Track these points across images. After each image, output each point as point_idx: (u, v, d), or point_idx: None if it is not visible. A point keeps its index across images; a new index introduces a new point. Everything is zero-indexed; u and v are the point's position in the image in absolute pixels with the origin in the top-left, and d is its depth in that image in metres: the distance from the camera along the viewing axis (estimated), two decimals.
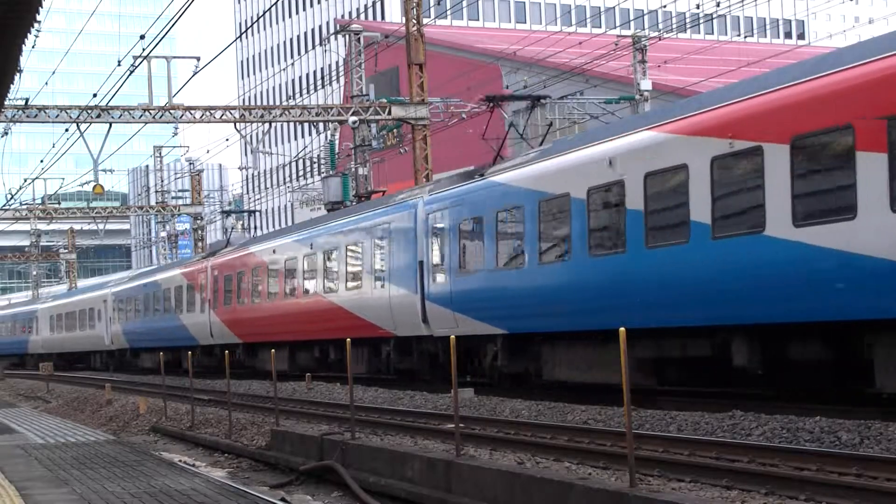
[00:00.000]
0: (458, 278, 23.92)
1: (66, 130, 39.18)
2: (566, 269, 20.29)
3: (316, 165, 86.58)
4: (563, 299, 20.32)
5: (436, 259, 25.05)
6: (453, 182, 25.79)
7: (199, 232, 69.39)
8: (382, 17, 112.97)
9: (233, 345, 37.92)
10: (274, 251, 34.99)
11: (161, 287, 47.10)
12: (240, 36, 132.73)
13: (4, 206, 71.16)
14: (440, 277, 24.81)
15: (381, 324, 27.53)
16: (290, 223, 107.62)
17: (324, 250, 30.99)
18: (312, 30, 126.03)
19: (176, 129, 45.27)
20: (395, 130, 50.77)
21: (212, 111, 40.41)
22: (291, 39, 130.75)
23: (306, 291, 32.22)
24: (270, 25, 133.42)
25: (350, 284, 29.32)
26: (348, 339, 18.02)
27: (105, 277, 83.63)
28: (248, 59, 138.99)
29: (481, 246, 23.02)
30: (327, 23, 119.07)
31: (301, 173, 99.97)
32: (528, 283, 21.42)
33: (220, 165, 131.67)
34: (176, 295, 44.78)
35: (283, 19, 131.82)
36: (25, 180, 60.91)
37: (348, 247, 29.55)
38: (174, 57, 42.23)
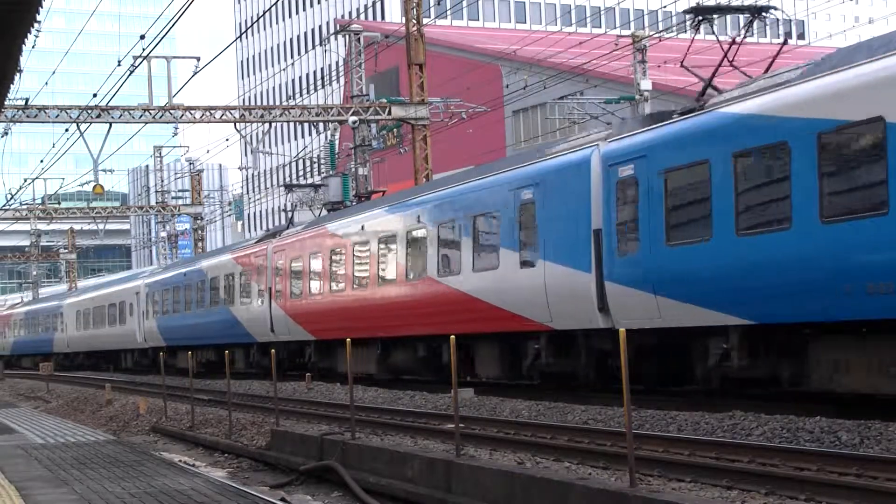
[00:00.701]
0: (666, 249, 17.92)
1: (66, 130, 39.18)
2: (877, 228, 14.24)
3: (316, 165, 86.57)
4: (867, 272, 14.42)
5: (624, 226, 19.00)
6: (637, 126, 19.84)
7: (199, 232, 69.36)
8: (382, 17, 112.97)
9: (299, 342, 33.73)
10: (363, 227, 29.28)
11: (206, 275, 41.32)
12: (240, 36, 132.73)
13: (4, 206, 71.16)
14: (632, 250, 18.74)
15: (530, 314, 21.64)
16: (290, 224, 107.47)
17: (438, 222, 25.14)
18: (312, 30, 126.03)
19: (176, 129, 45.28)
20: (395, 130, 50.75)
21: (212, 111, 40.41)
22: (291, 39, 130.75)
23: (412, 275, 26.31)
24: (270, 25, 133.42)
25: (480, 264, 23.37)
26: (348, 340, 17.97)
27: (136, 271, 79.92)
28: (248, 59, 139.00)
29: (707, 205, 17.06)
30: (327, 23, 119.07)
31: (301, 173, 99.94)
32: (799, 250, 15.36)
33: (220, 165, 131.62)
34: (226, 284, 39.16)
35: (283, 19, 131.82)
36: (25, 180, 60.92)
37: (477, 216, 23.54)
38: (174, 57, 42.23)
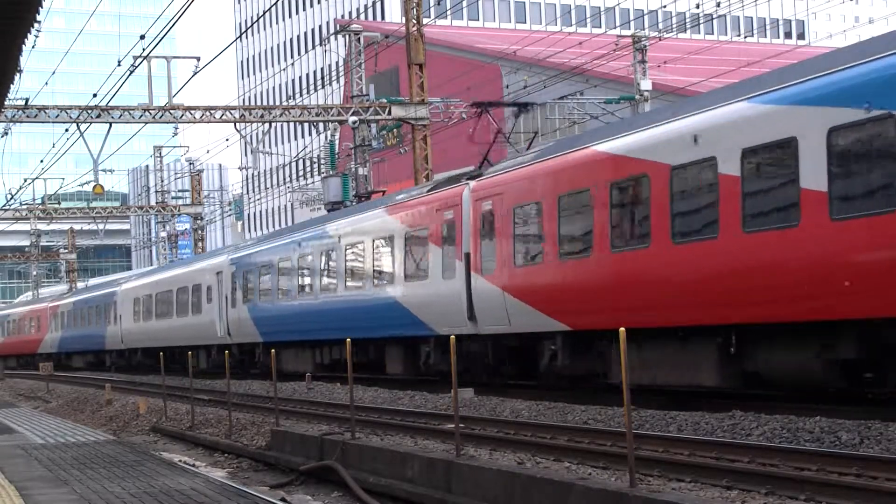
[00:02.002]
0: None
1: (66, 130, 39.19)
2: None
3: (316, 165, 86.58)
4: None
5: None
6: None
7: (199, 232, 69.37)
8: (382, 17, 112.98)
9: (529, 335, 22.00)
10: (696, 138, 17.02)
11: (339, 242, 30.10)
12: (240, 36, 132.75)
13: (4, 206, 71.17)
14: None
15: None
16: (290, 223, 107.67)
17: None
18: (312, 30, 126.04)
19: (176, 129, 45.27)
20: (395, 130, 50.79)
21: (212, 111, 40.41)
22: (291, 39, 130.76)
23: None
24: (270, 25, 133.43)
25: None
26: (348, 340, 17.94)
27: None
28: (248, 59, 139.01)
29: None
30: (327, 23, 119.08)
31: (301, 173, 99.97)
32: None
33: (220, 165, 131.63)
34: (376, 253, 27.80)
35: (283, 19, 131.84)
36: (25, 180, 60.92)
37: None
38: (174, 57, 42.24)
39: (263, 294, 35.50)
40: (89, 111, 38.80)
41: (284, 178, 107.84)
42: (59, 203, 73.95)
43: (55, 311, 69.00)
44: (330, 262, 30.63)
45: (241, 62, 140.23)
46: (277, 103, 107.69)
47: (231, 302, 38.00)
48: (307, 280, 32.34)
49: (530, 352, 22.29)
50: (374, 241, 27.97)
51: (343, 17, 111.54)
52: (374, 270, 28.01)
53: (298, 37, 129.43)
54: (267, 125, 44.00)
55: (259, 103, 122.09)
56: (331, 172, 48.54)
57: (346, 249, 29.60)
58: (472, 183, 23.68)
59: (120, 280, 59.54)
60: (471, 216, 23.43)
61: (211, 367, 40.86)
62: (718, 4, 43.72)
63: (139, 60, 32.97)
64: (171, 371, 37.52)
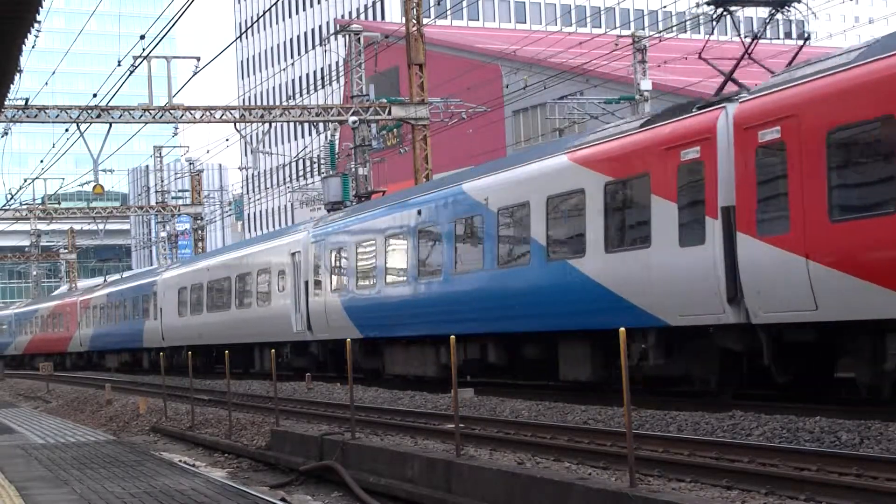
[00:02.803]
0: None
1: (66, 130, 39.20)
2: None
3: (316, 165, 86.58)
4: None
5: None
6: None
7: (199, 232, 69.37)
8: (382, 17, 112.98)
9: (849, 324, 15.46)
10: None
11: (486, 205, 23.32)
12: (240, 36, 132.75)
13: (4, 206, 71.19)
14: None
15: None
16: (290, 223, 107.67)
17: None
18: (312, 30, 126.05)
19: (176, 129, 45.28)
20: (395, 130, 50.79)
21: (212, 111, 40.41)
22: (291, 39, 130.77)
23: None
24: (270, 25, 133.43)
25: None
26: (348, 340, 17.95)
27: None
28: (248, 59, 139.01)
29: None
30: (327, 23, 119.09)
31: (301, 173, 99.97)
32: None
33: (220, 165, 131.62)
34: (554, 215, 21.22)
35: (283, 19, 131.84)
36: (25, 180, 60.95)
37: None
38: (174, 57, 42.26)
39: (364, 276, 28.16)
40: (89, 111, 38.80)
41: (284, 178, 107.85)
42: (59, 203, 73.97)
43: (86, 306, 61.11)
44: (470, 232, 24.07)
45: (241, 62, 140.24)
46: (277, 103, 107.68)
47: (313, 288, 31.01)
48: (434, 257, 25.16)
49: (841, 351, 16.19)
50: (548, 199, 21.06)
51: (343, 17, 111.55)
52: (548, 239, 21.08)
53: (298, 37, 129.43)
54: (267, 125, 43.99)
55: (259, 103, 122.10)
56: (331, 172, 48.51)
57: (498, 215, 22.67)
58: (734, 106, 17.05)
59: (159, 269, 51.97)
60: (733, 154, 16.64)
61: (285, 366, 33.47)
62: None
63: (139, 60, 32.98)
64: (233, 375, 29.70)
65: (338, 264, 30.07)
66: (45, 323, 71.47)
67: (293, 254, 32.75)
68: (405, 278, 26.26)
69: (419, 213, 25.85)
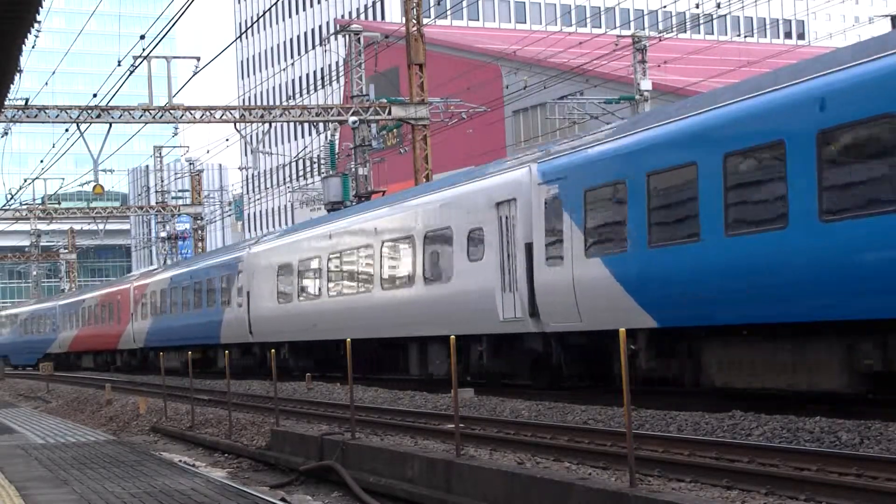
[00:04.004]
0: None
1: (66, 130, 39.22)
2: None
3: (316, 165, 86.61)
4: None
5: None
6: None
7: (200, 232, 69.37)
8: (382, 17, 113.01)
9: None
10: None
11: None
12: (240, 36, 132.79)
13: (4, 206, 71.24)
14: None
15: None
16: (290, 223, 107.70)
17: None
18: (312, 30, 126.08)
19: (176, 129, 45.31)
20: (395, 130, 50.81)
21: (212, 111, 40.43)
22: (291, 39, 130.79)
23: None
24: (270, 25, 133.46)
25: None
26: (348, 340, 17.97)
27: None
28: (248, 59, 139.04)
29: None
30: (327, 23, 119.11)
31: (301, 173, 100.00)
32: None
33: (220, 165, 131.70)
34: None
35: (283, 19, 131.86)
36: (25, 180, 60.98)
37: None
38: (174, 57, 42.28)
39: (683, 226, 17.65)
40: (89, 111, 38.81)
41: (284, 178, 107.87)
42: (59, 203, 74.02)
43: (142, 293, 50.26)
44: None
45: (241, 62, 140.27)
46: (277, 103, 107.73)
47: (545, 254, 21.04)
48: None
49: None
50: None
51: (343, 17, 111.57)
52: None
53: (298, 37, 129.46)
54: (267, 125, 44.01)
55: (259, 103, 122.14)
56: (331, 172, 48.55)
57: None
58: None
59: (243, 243, 41.71)
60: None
61: (476, 372, 24.49)
62: (718, 5, 43.74)
63: (139, 60, 32.98)
64: (378, 382, 25.94)
65: (593, 215, 19.95)
66: (92, 315, 59.70)
67: (498, 205, 22.81)
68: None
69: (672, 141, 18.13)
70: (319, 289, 31.57)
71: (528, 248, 21.77)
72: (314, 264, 32.02)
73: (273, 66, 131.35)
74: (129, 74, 30.91)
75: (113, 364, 56.95)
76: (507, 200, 22.58)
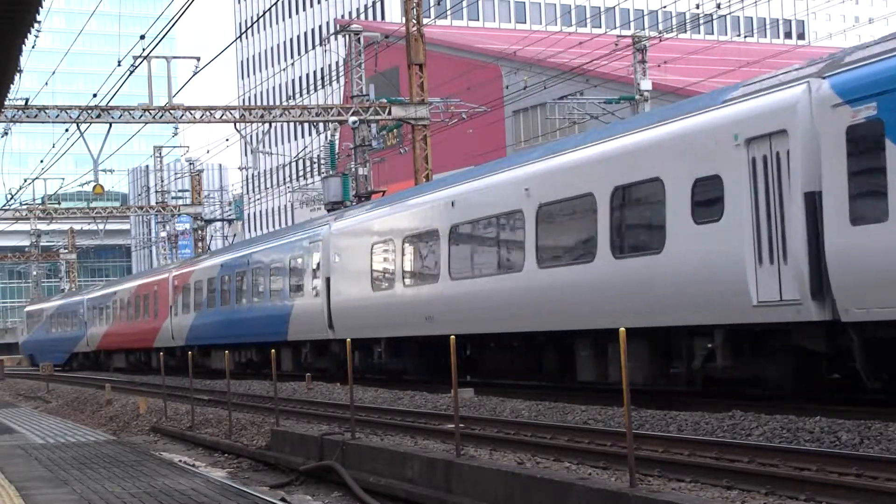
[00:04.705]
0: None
1: (66, 130, 39.22)
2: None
3: (316, 165, 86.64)
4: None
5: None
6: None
7: (199, 232, 69.39)
8: (382, 17, 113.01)
9: None
10: None
11: None
12: (240, 36, 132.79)
13: (4, 206, 71.25)
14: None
15: None
16: (290, 223, 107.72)
17: None
18: (312, 30, 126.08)
19: (176, 129, 45.31)
20: (395, 130, 50.82)
21: (212, 111, 40.42)
22: (291, 39, 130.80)
23: None
24: (270, 25, 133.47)
25: None
26: (348, 340, 17.97)
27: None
28: (248, 59, 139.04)
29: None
30: (327, 23, 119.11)
31: (301, 173, 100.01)
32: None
33: (220, 165, 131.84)
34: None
35: (283, 19, 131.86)
36: (25, 180, 61.00)
37: None
38: (174, 57, 42.28)
39: None
40: (89, 111, 38.81)
41: (284, 178, 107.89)
42: (59, 203, 74.03)
43: (184, 283, 44.27)
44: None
45: (241, 62, 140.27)
46: (277, 103, 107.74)
47: (844, 209, 14.96)
48: None
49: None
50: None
51: (343, 17, 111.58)
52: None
53: (298, 37, 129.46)
54: (267, 125, 44.01)
55: (259, 103, 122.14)
56: (331, 172, 48.56)
57: None
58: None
59: (321, 219, 33.91)
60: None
61: (705, 375, 17.97)
62: (718, 5, 43.76)
63: (139, 60, 32.99)
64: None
65: None
66: (124, 310, 53.41)
67: (751, 141, 16.43)
68: None
69: None
70: (438, 270, 24.67)
71: (811, 200, 15.46)
72: (429, 239, 25.34)
73: (273, 66, 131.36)
74: (129, 74, 30.92)
75: (147, 364, 50.27)
76: (769, 134, 16.14)
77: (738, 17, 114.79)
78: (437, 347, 25.42)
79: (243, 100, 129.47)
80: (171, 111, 39.83)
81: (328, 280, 30.41)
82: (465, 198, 24.19)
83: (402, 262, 26.62)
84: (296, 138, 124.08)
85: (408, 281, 26.37)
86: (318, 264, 31.13)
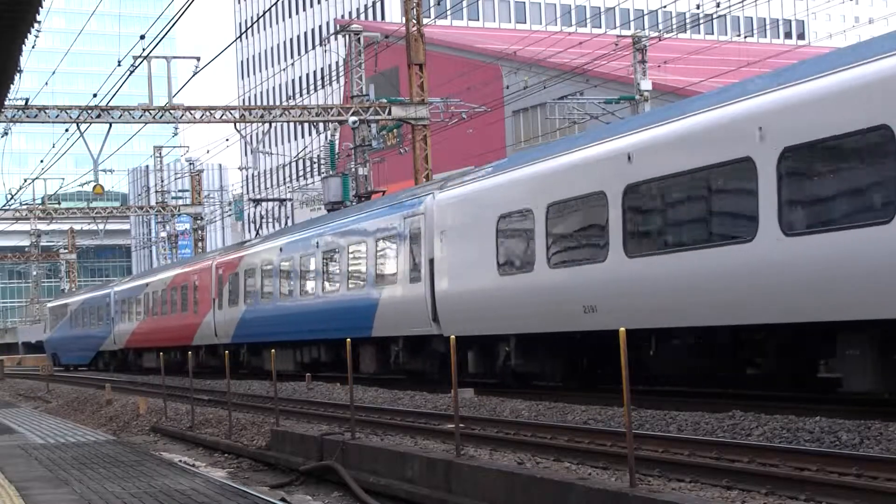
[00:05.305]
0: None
1: (66, 130, 39.23)
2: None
3: (316, 165, 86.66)
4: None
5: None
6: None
7: (199, 232, 69.39)
8: (382, 17, 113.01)
9: None
10: None
11: None
12: (240, 36, 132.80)
13: (4, 206, 71.26)
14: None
15: None
16: (290, 223, 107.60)
17: None
18: (312, 30, 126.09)
19: (176, 129, 45.31)
20: (395, 130, 50.84)
21: (212, 111, 40.42)
22: (291, 39, 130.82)
23: None
24: (270, 25, 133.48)
25: None
26: (348, 340, 17.98)
27: None
28: (248, 59, 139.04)
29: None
30: (327, 23, 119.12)
31: (301, 173, 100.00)
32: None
33: (220, 165, 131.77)
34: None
35: (283, 19, 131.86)
36: (25, 180, 61.04)
37: None
38: (174, 57, 42.31)
39: None
40: (89, 111, 38.82)
41: (284, 178, 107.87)
42: (59, 203, 74.06)
43: (231, 271, 38.70)
44: None
45: (241, 62, 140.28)
46: (277, 103, 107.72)
47: None
48: None
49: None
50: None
51: (343, 17, 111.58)
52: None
53: (298, 37, 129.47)
54: (267, 125, 44.02)
55: (259, 103, 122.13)
56: (331, 172, 48.56)
57: None
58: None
59: (426, 187, 27.40)
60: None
61: None
62: (718, 5, 43.72)
63: (139, 60, 33.00)
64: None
65: None
66: (157, 303, 48.26)
67: None
68: None
69: None
70: (606, 246, 19.11)
71: None
72: (590, 206, 19.60)
73: (273, 66, 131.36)
74: (129, 74, 30.92)
75: (183, 364, 40.09)
76: None
77: (738, 17, 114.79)
78: (593, 347, 20.75)
79: (243, 100, 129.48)
80: (171, 111, 39.84)
81: (431, 263, 25.04)
82: (649, 148, 18.14)
83: (545, 238, 20.78)
84: (296, 138, 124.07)
85: (555, 261, 20.57)
86: (418, 244, 25.76)
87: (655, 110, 20.94)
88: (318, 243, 31.53)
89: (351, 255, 29.37)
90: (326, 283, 30.95)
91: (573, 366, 21.91)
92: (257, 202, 48.92)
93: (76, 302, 64.90)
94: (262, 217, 55.01)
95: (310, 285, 31.98)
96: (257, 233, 53.32)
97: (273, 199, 54.37)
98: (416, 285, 25.66)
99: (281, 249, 34.37)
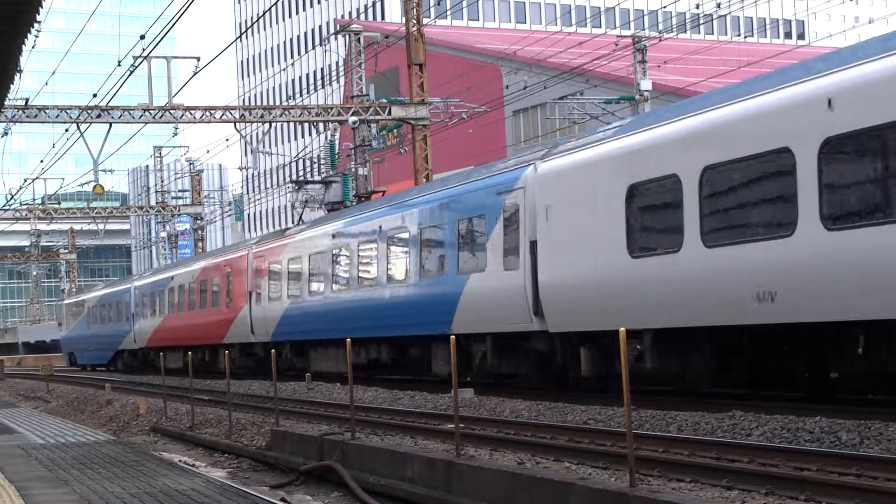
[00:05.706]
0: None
1: (66, 130, 39.24)
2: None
3: (316, 165, 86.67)
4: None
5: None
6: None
7: (199, 232, 69.39)
8: (382, 17, 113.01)
9: None
10: None
11: None
12: (240, 36, 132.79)
13: (4, 206, 71.28)
14: None
15: None
16: (290, 224, 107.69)
17: None
18: (312, 30, 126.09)
19: (176, 129, 45.30)
20: (395, 130, 50.83)
21: (212, 111, 40.42)
22: (291, 39, 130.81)
23: None
24: (270, 25, 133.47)
25: None
26: (348, 340, 17.98)
27: None
28: (248, 59, 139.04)
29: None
30: (327, 23, 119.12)
31: (301, 173, 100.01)
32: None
33: (220, 165, 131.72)
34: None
35: (283, 19, 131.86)
36: (25, 180, 61.04)
37: None
38: (174, 57, 42.30)
39: None
40: (89, 111, 38.82)
41: (284, 178, 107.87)
42: (59, 203, 74.07)
43: (271, 261, 35.19)
44: None
45: (241, 62, 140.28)
46: (277, 103, 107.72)
47: None
48: None
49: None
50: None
51: (343, 17, 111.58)
52: None
53: (298, 37, 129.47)
54: (267, 125, 44.02)
55: (259, 103, 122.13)
56: (331, 172, 48.55)
57: None
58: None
59: (525, 155, 23.04)
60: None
61: None
62: (718, 5, 43.75)
63: (139, 60, 33.00)
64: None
65: None
66: (183, 298, 44.49)
67: None
68: None
69: None
70: (792, 218, 15.07)
71: None
72: (766, 168, 15.67)
73: (273, 66, 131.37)
74: (129, 74, 30.93)
75: (213, 365, 39.99)
76: None
77: (738, 17, 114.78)
78: (768, 345, 16.66)
79: (243, 100, 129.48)
80: (171, 111, 39.84)
81: (533, 246, 21.17)
82: (860, 91, 14.07)
83: (698, 210, 16.76)
84: (296, 138, 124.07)
85: (713, 238, 16.53)
86: (514, 225, 21.88)
87: (864, 42, 15.07)
88: (380, 228, 27.66)
89: (425, 241, 25.54)
90: (393, 273, 27.09)
91: (727, 368, 17.57)
92: (300, 185, 43.47)
93: (93, 298, 61.46)
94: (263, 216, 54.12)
95: (372, 275, 28.12)
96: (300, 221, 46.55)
97: (317, 183, 48.56)
98: (513, 273, 21.80)
99: (334, 236, 30.51)
